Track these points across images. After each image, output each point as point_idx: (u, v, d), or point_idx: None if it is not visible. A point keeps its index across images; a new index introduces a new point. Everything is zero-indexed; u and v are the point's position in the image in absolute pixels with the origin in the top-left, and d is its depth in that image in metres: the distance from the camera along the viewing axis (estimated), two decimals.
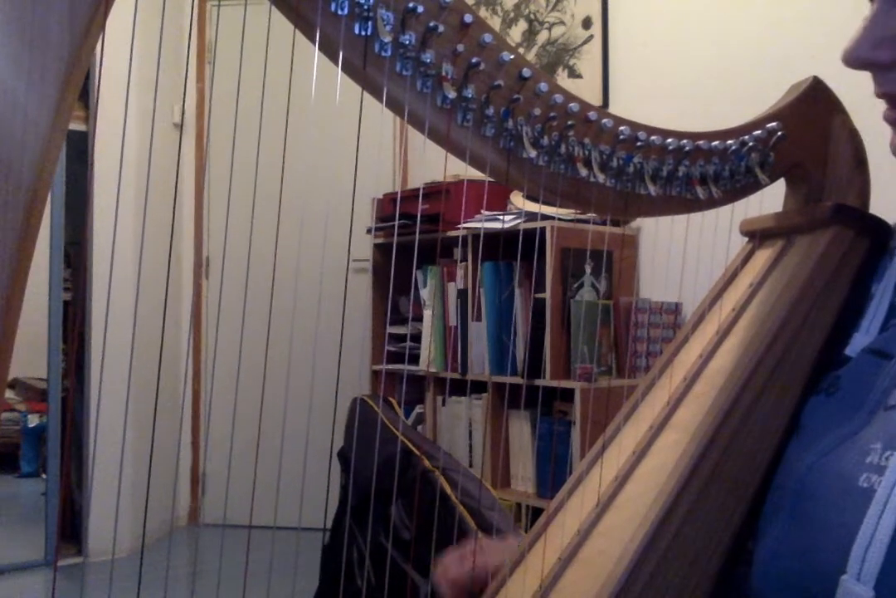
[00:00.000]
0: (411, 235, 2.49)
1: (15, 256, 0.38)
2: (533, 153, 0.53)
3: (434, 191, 2.53)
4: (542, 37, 2.80)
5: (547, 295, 2.16)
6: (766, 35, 2.24)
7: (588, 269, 2.23)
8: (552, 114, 0.53)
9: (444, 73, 0.49)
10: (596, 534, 0.55)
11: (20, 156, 0.38)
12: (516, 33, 2.85)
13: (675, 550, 0.50)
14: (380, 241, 2.68)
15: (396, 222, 2.47)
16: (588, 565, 0.53)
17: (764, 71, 2.18)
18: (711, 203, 0.59)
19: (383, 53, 0.48)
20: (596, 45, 2.66)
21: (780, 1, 2.23)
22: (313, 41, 0.47)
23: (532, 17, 2.84)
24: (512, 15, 2.89)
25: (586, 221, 2.16)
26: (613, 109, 2.54)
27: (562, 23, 2.76)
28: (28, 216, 0.38)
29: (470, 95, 0.50)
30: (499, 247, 2.36)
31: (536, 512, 2.09)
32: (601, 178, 0.55)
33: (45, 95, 0.38)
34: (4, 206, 0.37)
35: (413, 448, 1.64)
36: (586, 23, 2.69)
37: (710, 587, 0.50)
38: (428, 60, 0.49)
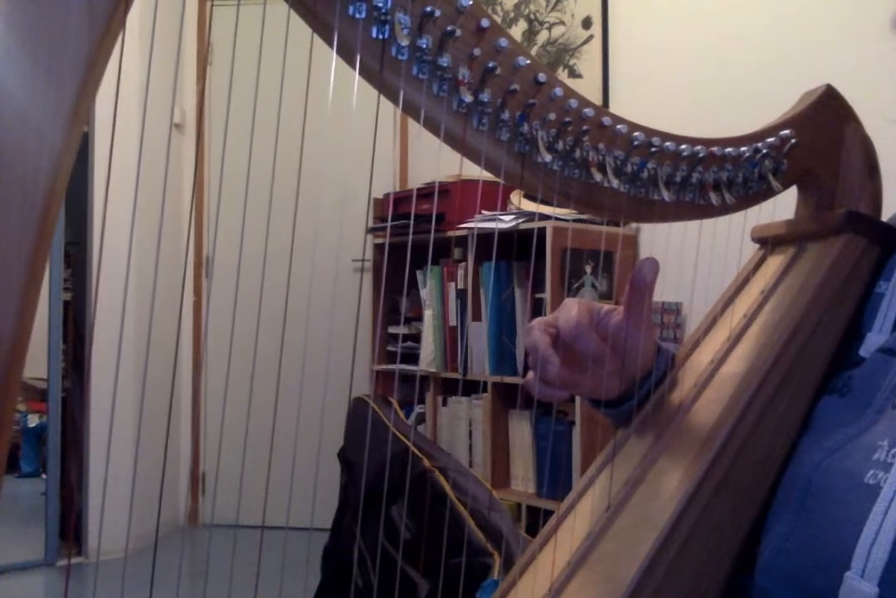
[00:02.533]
0: (412, 235, 2.49)
1: (30, 265, 0.38)
2: (548, 158, 0.53)
3: (435, 191, 2.53)
4: (542, 37, 2.80)
5: (547, 295, 2.16)
6: (766, 35, 2.24)
7: (588, 269, 2.23)
8: (567, 119, 0.53)
9: (460, 77, 0.49)
10: (606, 538, 0.55)
11: (35, 168, 0.37)
12: (516, 33, 2.85)
13: (686, 555, 0.50)
14: (380, 241, 2.68)
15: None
16: (598, 569, 0.53)
17: (764, 71, 2.19)
18: (724, 209, 0.59)
19: (400, 57, 0.48)
20: (596, 45, 2.66)
21: (780, 1, 2.23)
22: (330, 44, 0.47)
23: (532, 17, 2.84)
24: (512, 15, 2.89)
25: (586, 222, 2.17)
26: (613, 108, 2.53)
27: (562, 23, 2.76)
28: (42, 228, 0.38)
29: (486, 99, 0.50)
30: (499, 247, 2.36)
31: (536, 512, 2.09)
32: (615, 183, 0.55)
33: (60, 106, 0.38)
34: (20, 219, 0.37)
35: (414, 448, 1.64)
36: (586, 23, 2.69)
37: (719, 592, 0.50)
38: (444, 64, 0.49)
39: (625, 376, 0.62)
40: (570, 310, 0.59)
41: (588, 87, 2.61)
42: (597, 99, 2.59)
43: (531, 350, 0.58)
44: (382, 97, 0.50)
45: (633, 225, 2.42)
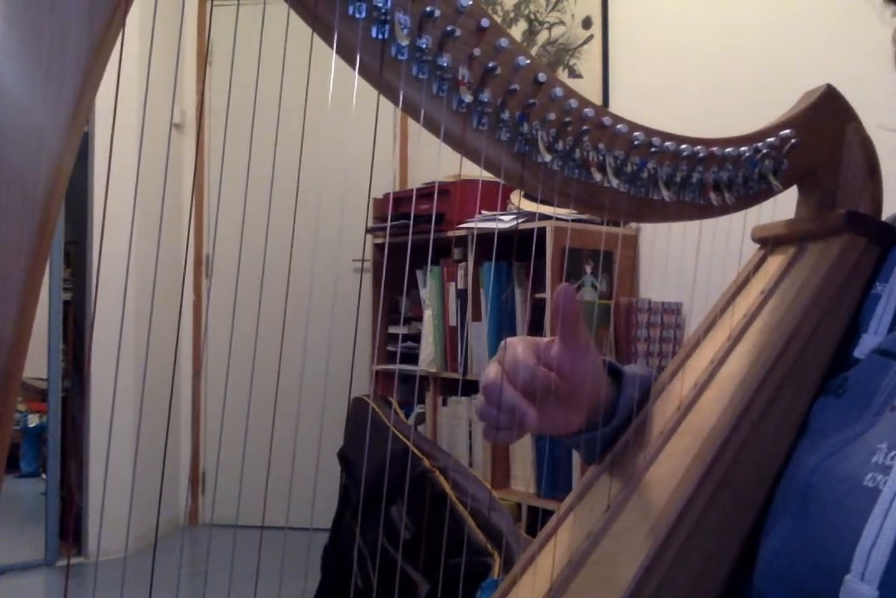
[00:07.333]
0: (412, 235, 2.49)
1: (29, 267, 0.38)
2: (547, 158, 0.53)
3: (435, 191, 2.53)
4: (542, 37, 2.80)
5: (547, 295, 2.16)
6: (766, 35, 2.24)
7: (588, 269, 2.23)
8: (567, 119, 0.53)
9: (460, 77, 0.49)
10: (606, 538, 0.55)
11: (35, 169, 0.37)
12: (516, 33, 2.85)
13: (686, 555, 0.50)
14: (380, 241, 2.68)
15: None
16: (598, 569, 0.53)
17: (764, 71, 2.19)
18: (724, 209, 0.59)
19: (400, 57, 0.48)
20: (596, 45, 2.66)
21: (780, 1, 2.23)
22: (330, 44, 0.47)
23: (532, 17, 2.84)
24: (512, 15, 2.89)
25: (586, 221, 2.17)
26: (613, 108, 2.52)
27: (562, 23, 2.76)
28: (41, 228, 0.38)
29: (485, 99, 0.50)
30: (499, 247, 2.36)
31: (536, 512, 2.09)
32: (615, 183, 0.55)
33: (60, 105, 0.38)
34: (20, 220, 0.37)
35: (414, 448, 1.64)
36: (586, 23, 2.69)
37: (719, 593, 0.50)
38: (444, 64, 0.49)
39: (582, 405, 0.61)
40: (514, 349, 0.57)
41: (588, 87, 2.61)
42: (597, 99, 2.59)
43: (485, 392, 0.56)
44: (382, 97, 0.50)
45: (634, 225, 2.42)
